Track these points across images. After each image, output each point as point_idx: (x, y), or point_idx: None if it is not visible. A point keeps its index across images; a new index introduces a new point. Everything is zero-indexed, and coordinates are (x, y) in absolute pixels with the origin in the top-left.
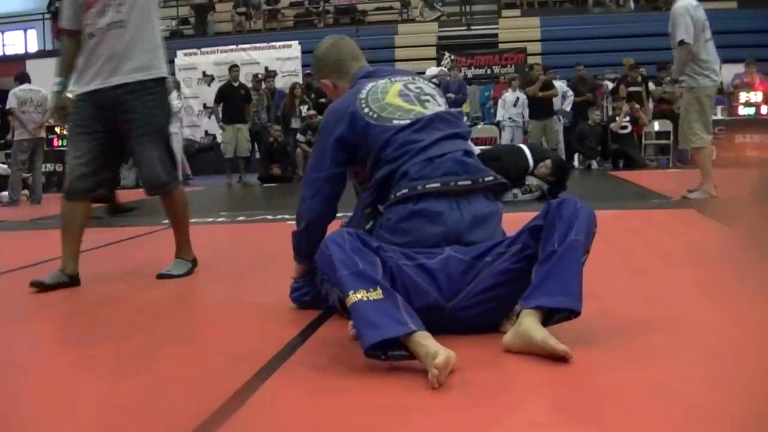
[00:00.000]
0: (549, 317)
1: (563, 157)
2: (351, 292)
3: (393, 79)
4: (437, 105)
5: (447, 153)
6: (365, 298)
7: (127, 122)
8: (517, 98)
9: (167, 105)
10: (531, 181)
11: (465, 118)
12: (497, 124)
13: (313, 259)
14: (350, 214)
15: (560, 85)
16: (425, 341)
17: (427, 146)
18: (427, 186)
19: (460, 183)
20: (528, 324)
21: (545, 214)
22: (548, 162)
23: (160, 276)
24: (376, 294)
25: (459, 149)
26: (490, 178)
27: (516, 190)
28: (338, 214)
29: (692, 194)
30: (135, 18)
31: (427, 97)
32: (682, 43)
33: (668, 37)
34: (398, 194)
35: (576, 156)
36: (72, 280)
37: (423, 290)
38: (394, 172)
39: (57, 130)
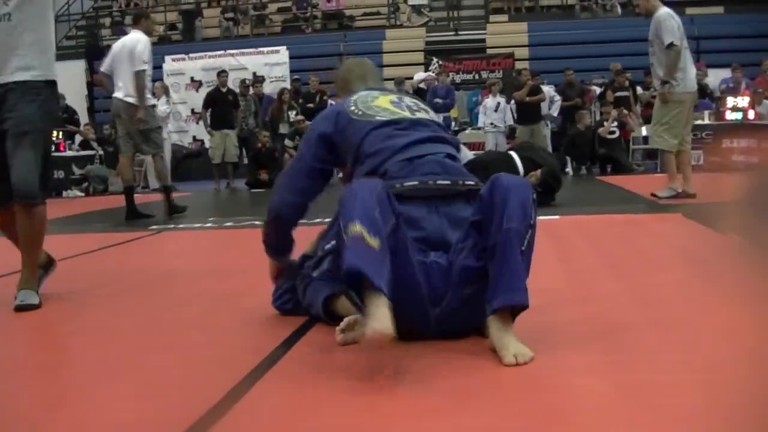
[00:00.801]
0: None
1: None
2: (356, 223)
3: (388, 92)
4: (428, 116)
5: (428, 154)
6: (363, 236)
7: (5, 122)
8: (498, 103)
9: (53, 110)
10: None
11: (453, 123)
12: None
13: (290, 260)
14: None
15: (548, 89)
16: (380, 309)
17: (408, 145)
18: (405, 184)
19: (439, 182)
20: (492, 333)
21: (480, 203)
22: (537, 172)
23: (18, 308)
24: (374, 242)
25: (441, 152)
26: (472, 182)
27: None
28: (317, 219)
29: (662, 192)
30: (23, 14)
31: (419, 110)
32: (671, 45)
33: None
34: None
35: (569, 161)
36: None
37: (416, 280)
38: (375, 171)
39: None
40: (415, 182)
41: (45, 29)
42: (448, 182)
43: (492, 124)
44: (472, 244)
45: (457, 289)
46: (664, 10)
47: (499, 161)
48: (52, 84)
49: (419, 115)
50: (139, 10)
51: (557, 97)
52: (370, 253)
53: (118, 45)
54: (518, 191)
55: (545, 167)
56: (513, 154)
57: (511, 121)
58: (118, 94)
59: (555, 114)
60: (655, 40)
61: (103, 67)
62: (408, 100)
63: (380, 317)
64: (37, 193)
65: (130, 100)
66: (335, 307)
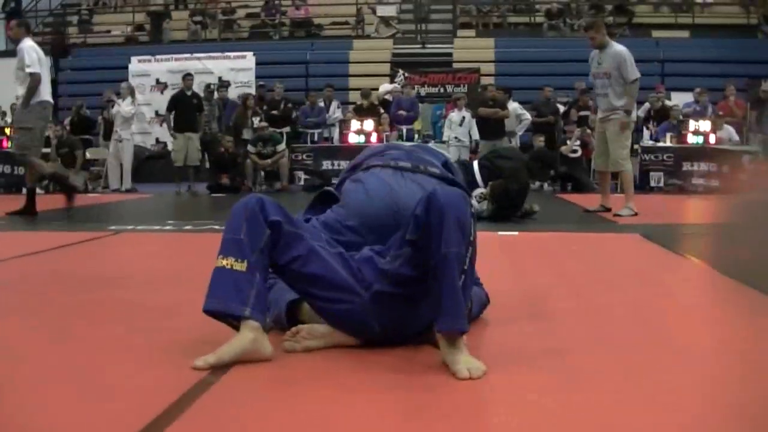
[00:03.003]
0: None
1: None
2: (220, 257)
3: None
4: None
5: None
6: (229, 266)
7: None
8: (463, 117)
9: None
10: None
11: (416, 136)
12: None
13: None
14: None
15: (515, 106)
16: (249, 332)
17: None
18: (370, 164)
19: (401, 164)
20: (442, 348)
21: (416, 222)
22: (490, 187)
23: None
24: (240, 266)
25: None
26: (436, 170)
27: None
28: None
29: (622, 211)
30: None
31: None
32: (635, 81)
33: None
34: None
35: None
36: None
37: (338, 272)
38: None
39: (7, 131)
40: (379, 162)
41: None
42: (409, 165)
43: (456, 138)
44: (409, 255)
45: (387, 283)
46: (621, 47)
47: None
48: None
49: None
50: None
51: (526, 115)
52: (236, 278)
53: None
54: (454, 210)
55: (502, 181)
56: (474, 162)
57: (476, 136)
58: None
59: (520, 133)
60: (613, 73)
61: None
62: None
63: (243, 340)
64: None
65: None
66: (299, 311)
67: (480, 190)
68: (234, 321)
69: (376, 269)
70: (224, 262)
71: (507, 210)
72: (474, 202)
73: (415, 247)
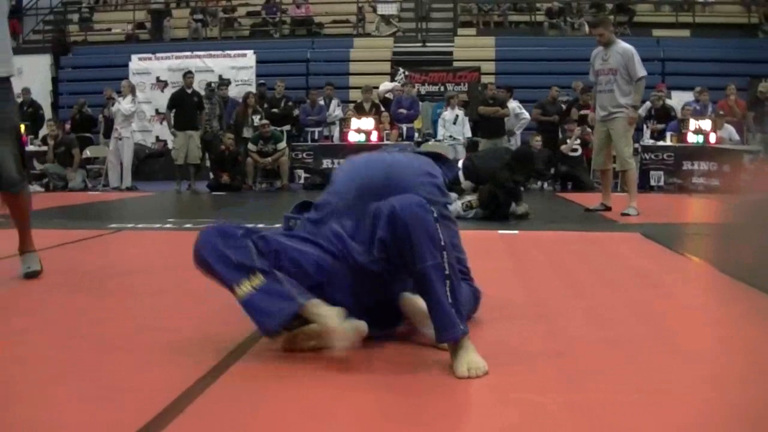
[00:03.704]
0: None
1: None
2: (235, 286)
3: None
4: None
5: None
6: (251, 288)
7: None
8: (457, 116)
9: (16, 104)
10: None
11: (416, 134)
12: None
13: None
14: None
15: (514, 105)
16: (317, 309)
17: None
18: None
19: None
20: (449, 352)
21: (383, 245)
22: (479, 192)
23: (28, 275)
24: (258, 279)
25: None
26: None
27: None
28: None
29: (629, 211)
30: None
31: None
32: (641, 78)
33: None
34: None
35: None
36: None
37: (308, 252)
38: None
39: None
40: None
41: (4, 30)
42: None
43: (451, 136)
44: (382, 258)
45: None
46: (628, 44)
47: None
48: (8, 80)
49: None
50: None
51: (524, 114)
52: (266, 291)
53: None
54: (419, 223)
55: (489, 186)
56: (459, 163)
57: (469, 134)
58: None
59: (518, 132)
60: (621, 70)
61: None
62: None
63: (324, 316)
64: (18, 182)
65: None
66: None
67: (468, 198)
68: (294, 321)
69: (348, 245)
70: (243, 290)
71: (496, 211)
72: (459, 209)
73: (387, 259)
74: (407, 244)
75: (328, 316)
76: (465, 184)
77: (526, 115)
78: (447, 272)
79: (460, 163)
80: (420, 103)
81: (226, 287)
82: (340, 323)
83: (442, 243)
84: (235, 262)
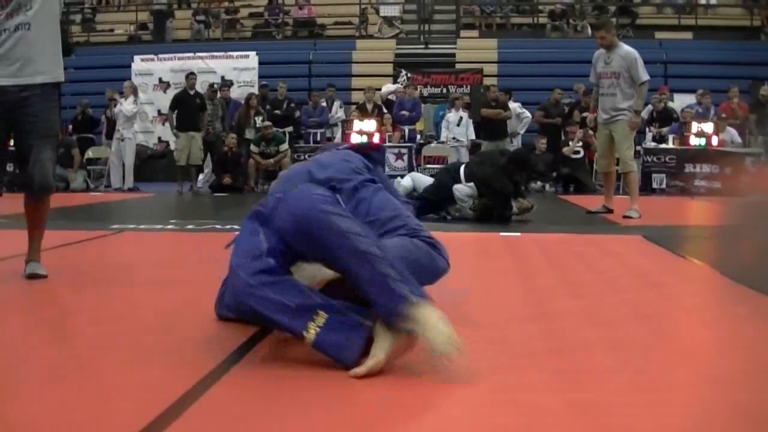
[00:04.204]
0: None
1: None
2: (303, 332)
3: None
4: None
5: None
6: (317, 329)
7: (27, 123)
8: (460, 118)
9: (60, 112)
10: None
11: (419, 137)
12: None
13: None
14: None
15: (515, 106)
16: (383, 333)
17: None
18: None
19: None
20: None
21: (294, 250)
22: (476, 204)
23: (31, 276)
24: (322, 318)
25: None
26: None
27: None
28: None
29: (631, 213)
30: (41, 21)
31: None
32: (644, 83)
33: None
34: None
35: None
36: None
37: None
38: None
39: None
40: None
41: (57, 35)
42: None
43: (454, 138)
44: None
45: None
46: (631, 48)
47: (442, 171)
48: (59, 86)
49: None
50: None
51: (526, 114)
52: (332, 326)
53: None
54: (317, 222)
55: (484, 201)
56: (461, 168)
57: (473, 136)
58: None
59: (521, 132)
60: (623, 74)
61: None
62: None
63: (384, 342)
64: (52, 186)
65: None
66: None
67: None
68: (370, 335)
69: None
70: (311, 333)
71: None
72: (467, 207)
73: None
74: (317, 244)
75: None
76: (464, 189)
77: (528, 114)
78: (363, 248)
79: (461, 170)
80: (422, 104)
81: (293, 335)
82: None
83: (344, 230)
84: (295, 308)
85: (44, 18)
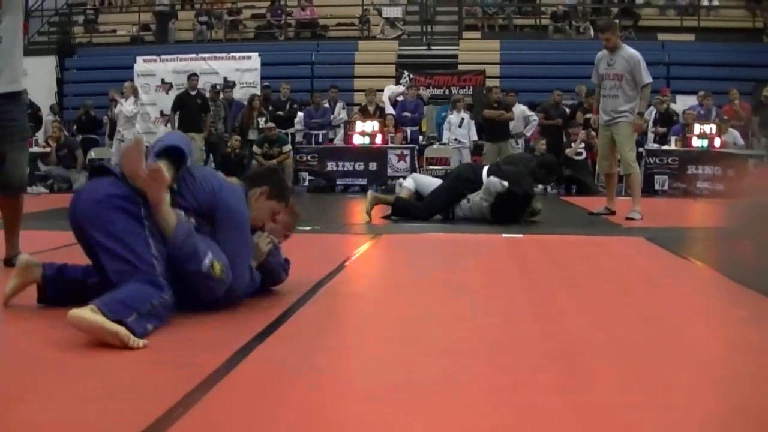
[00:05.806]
0: None
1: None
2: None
3: None
4: None
5: None
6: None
7: (8, 128)
8: (462, 119)
9: (27, 114)
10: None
11: (421, 138)
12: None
13: None
14: None
15: (522, 109)
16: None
17: None
18: None
19: None
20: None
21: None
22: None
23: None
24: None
25: None
26: None
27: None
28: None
29: (633, 215)
30: (9, 33)
31: None
32: (647, 85)
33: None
34: None
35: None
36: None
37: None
38: None
39: None
40: None
41: (21, 46)
42: None
43: (456, 140)
44: None
45: None
46: (634, 50)
47: (454, 180)
48: (22, 93)
49: None
50: None
51: (534, 116)
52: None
53: None
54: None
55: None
56: (484, 168)
57: (475, 137)
58: None
59: (528, 134)
60: (626, 76)
61: None
62: None
63: None
64: (25, 185)
65: None
66: None
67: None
68: None
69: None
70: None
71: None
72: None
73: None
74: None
75: None
76: (497, 184)
77: (536, 117)
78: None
79: (484, 170)
80: (424, 106)
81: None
82: None
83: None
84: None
85: (13, 30)
